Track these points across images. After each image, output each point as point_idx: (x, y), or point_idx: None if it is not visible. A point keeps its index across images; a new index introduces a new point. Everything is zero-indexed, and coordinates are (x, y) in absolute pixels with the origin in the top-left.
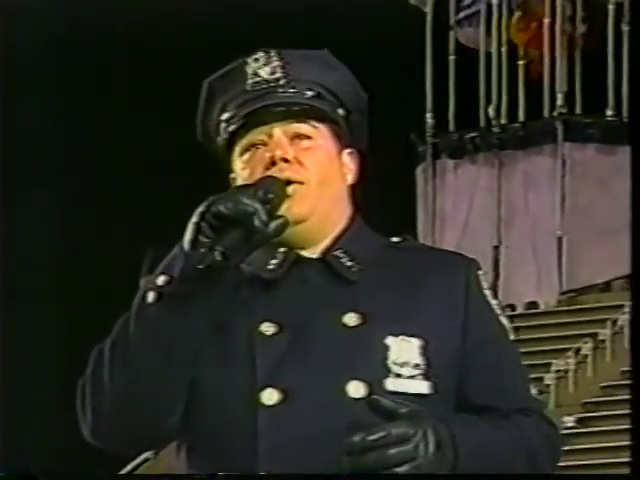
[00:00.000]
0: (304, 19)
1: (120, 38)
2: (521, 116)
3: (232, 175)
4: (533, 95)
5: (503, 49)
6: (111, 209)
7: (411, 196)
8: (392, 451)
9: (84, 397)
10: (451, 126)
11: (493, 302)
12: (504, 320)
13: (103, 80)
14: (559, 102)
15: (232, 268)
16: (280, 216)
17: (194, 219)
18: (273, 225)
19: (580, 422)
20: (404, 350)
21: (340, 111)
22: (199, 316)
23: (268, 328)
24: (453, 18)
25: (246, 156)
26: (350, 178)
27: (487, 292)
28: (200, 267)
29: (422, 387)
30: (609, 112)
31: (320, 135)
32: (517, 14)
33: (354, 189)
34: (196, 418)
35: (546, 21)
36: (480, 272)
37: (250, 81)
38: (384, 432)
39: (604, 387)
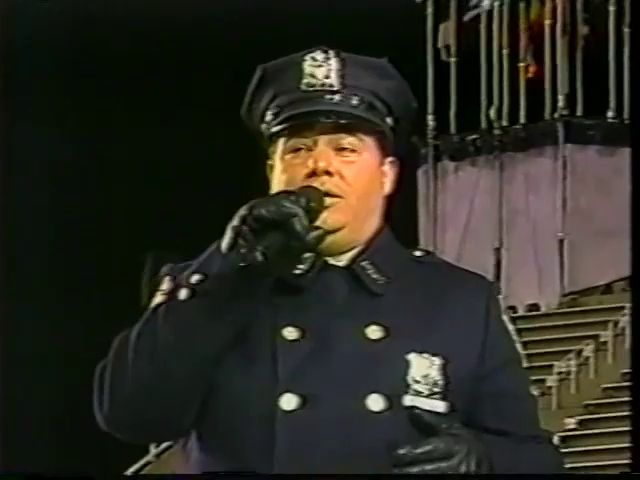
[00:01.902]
0: (304, 20)
1: (120, 37)
2: (522, 118)
3: (269, 162)
4: (534, 97)
5: (504, 51)
6: (111, 209)
7: (412, 198)
8: (436, 466)
9: (103, 381)
10: (452, 128)
11: (510, 327)
12: (519, 347)
13: (102, 80)
14: (560, 104)
15: (272, 276)
16: (318, 227)
17: (235, 222)
18: (313, 234)
19: (581, 424)
20: (425, 367)
21: (388, 120)
22: (230, 318)
23: (290, 333)
24: (455, 20)
25: (288, 157)
26: (387, 187)
27: (505, 317)
28: (242, 265)
29: (439, 405)
30: (610, 114)
31: (365, 148)
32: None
33: (389, 199)
34: (212, 417)
35: (547, 23)
36: (500, 296)
37: (305, 80)
38: (431, 446)
39: (606, 389)
